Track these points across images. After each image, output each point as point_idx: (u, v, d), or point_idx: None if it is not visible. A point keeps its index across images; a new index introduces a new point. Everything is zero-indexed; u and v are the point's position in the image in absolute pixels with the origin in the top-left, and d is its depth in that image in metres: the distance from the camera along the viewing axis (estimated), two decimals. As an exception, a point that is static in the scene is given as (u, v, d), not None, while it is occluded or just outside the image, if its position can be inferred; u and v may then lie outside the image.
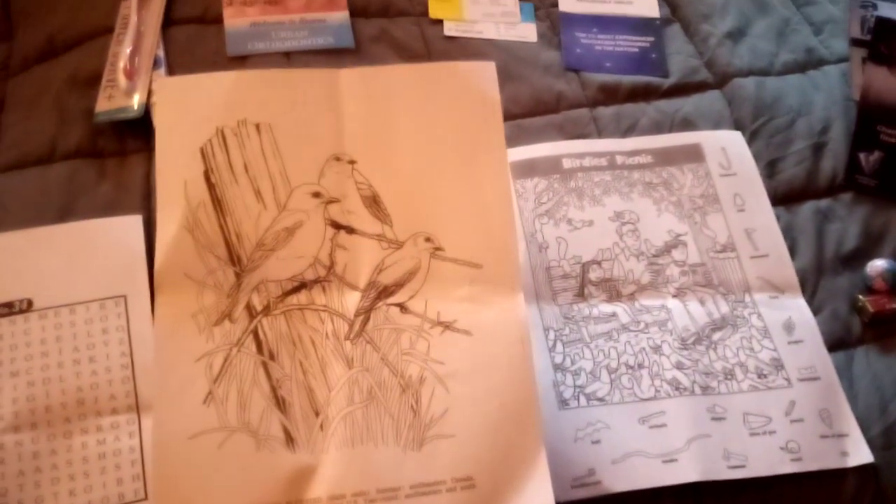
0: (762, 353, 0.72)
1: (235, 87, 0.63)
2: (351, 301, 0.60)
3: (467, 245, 0.62)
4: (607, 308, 0.74)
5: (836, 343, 0.72)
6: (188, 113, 0.62)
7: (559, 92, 0.86)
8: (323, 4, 0.88)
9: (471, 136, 0.63)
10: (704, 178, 0.81)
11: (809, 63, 0.90)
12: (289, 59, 0.85)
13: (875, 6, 0.96)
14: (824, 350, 0.72)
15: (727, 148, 0.83)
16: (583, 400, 0.68)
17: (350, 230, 0.61)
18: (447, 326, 0.60)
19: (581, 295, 0.75)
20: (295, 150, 0.62)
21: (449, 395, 0.58)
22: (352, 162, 0.62)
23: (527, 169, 0.81)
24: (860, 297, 0.73)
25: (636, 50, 0.90)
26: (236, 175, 0.62)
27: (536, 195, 0.80)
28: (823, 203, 0.80)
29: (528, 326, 0.61)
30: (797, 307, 0.74)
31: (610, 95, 0.86)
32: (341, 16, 0.88)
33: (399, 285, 0.61)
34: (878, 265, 0.74)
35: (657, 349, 0.72)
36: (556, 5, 0.93)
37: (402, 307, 0.60)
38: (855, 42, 0.91)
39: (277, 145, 0.62)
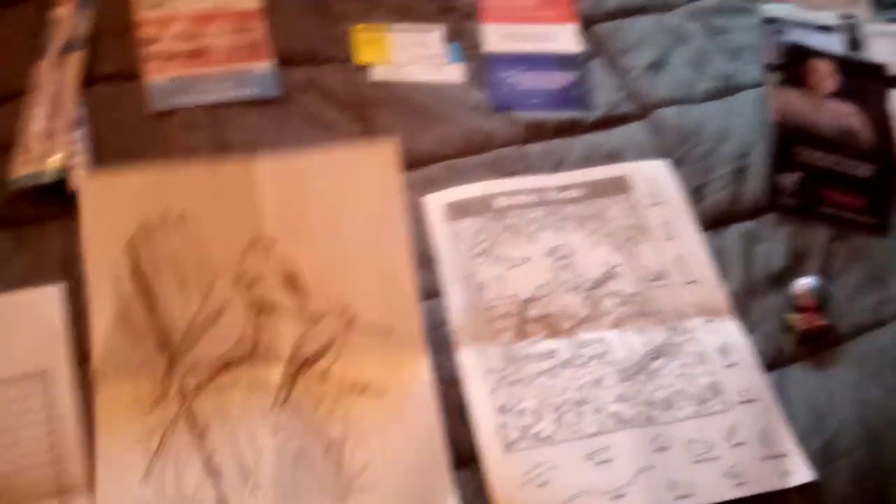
0: (701, 378, 0.72)
1: (157, 182, 0.68)
2: (275, 374, 0.66)
3: (378, 313, 0.69)
4: (548, 345, 0.74)
5: (771, 363, 0.73)
6: (112, 210, 0.67)
7: (488, 131, 0.86)
8: (247, 54, 0.88)
9: (375, 212, 0.71)
10: (633, 208, 0.83)
11: (728, 89, 0.93)
12: (214, 111, 0.84)
13: (785, 32, 1.00)
14: (759, 371, 0.73)
15: (653, 177, 0.85)
16: (528, 441, 0.67)
17: (271, 308, 0.67)
18: (363, 390, 0.66)
19: (521, 333, 0.75)
20: (216, 237, 0.68)
21: (367, 451, 0.64)
22: (271, 244, 0.68)
23: (460, 210, 0.82)
24: (789, 315, 0.76)
25: (561, 86, 0.91)
26: (162, 266, 0.67)
27: (472, 235, 0.80)
28: (749, 225, 0.82)
29: (431, 384, 0.67)
30: (731, 330, 0.75)
31: (538, 132, 0.87)
32: (266, 65, 0.87)
33: (319, 355, 0.67)
34: (802, 283, 0.77)
35: (598, 383, 0.72)
36: (481, 45, 0.95)
37: (322, 375, 0.66)
38: (770, 67, 0.96)
39: (200, 234, 0.68)
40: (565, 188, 0.84)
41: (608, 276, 0.78)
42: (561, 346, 0.74)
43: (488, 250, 0.79)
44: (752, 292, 0.77)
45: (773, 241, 0.81)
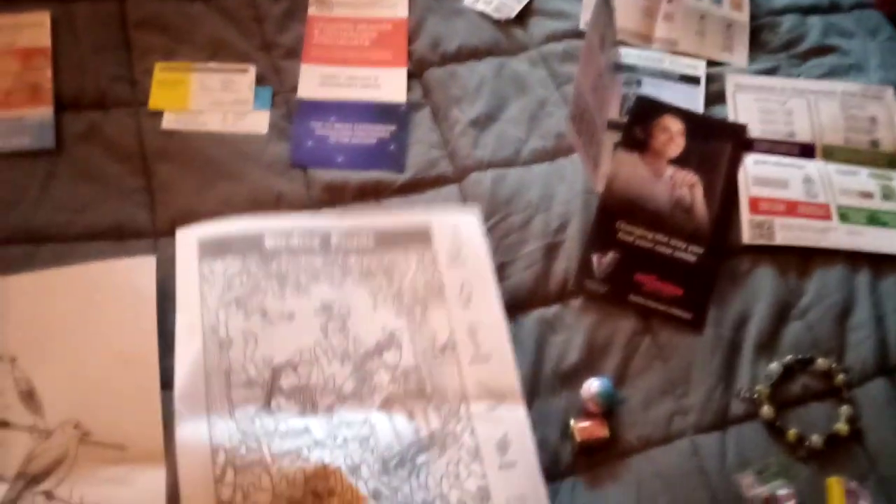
0: (469, 480, 0.63)
1: None
2: None
3: (114, 428, 0.64)
4: (298, 423, 0.63)
5: (544, 475, 0.65)
6: None
7: (279, 193, 0.78)
8: (25, 98, 0.80)
9: (124, 328, 0.68)
10: (430, 265, 0.72)
11: (559, 150, 0.84)
12: (-25, 164, 0.78)
13: (640, 83, 0.90)
14: (539, 475, 0.64)
15: (459, 232, 0.74)
16: None
17: (4, 424, 0.65)
18: None
19: (267, 407, 0.64)
20: None
21: None
22: (12, 360, 0.67)
23: (218, 247, 0.70)
24: (571, 422, 0.68)
25: (374, 141, 0.83)
26: None
27: (227, 279, 0.69)
28: (551, 311, 0.74)
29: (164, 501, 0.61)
30: (516, 420, 0.66)
31: (336, 195, 0.79)
32: (43, 112, 0.79)
33: (47, 473, 0.63)
34: (591, 387, 0.68)
35: (355, 470, 0.61)
36: (296, 89, 0.87)
37: (48, 494, 0.62)
38: (610, 125, 0.87)
39: None
40: (354, 233, 0.72)
41: (386, 345, 0.68)
42: (314, 425, 0.63)
43: (244, 299, 0.68)
44: (537, 392, 0.69)
45: (573, 330, 0.73)
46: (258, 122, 0.83)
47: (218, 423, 0.63)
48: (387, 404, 0.66)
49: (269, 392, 0.65)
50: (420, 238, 0.73)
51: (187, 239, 0.71)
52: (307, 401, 0.65)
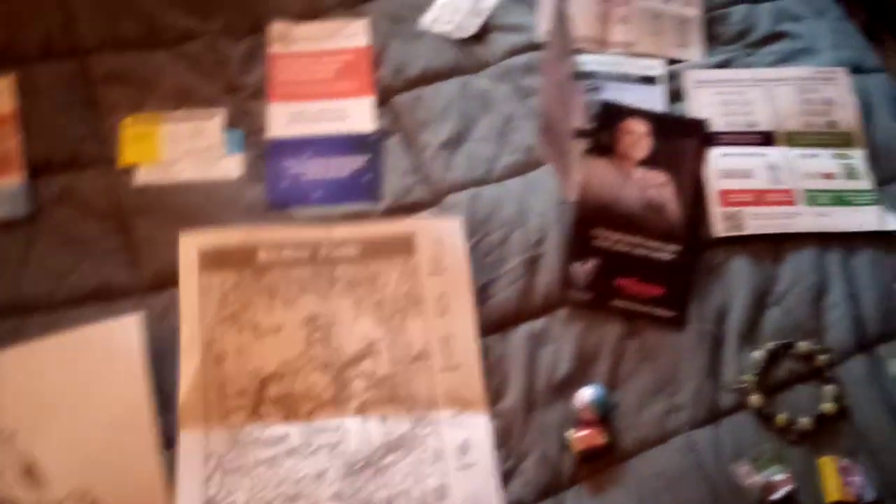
0: (430, 479, 0.68)
1: None
2: None
3: (120, 494, 0.66)
4: (280, 430, 0.69)
5: (545, 490, 0.68)
6: None
7: (260, 235, 0.81)
8: (-5, 168, 0.81)
9: (115, 392, 0.69)
10: (412, 274, 0.76)
11: (529, 164, 0.85)
12: (-48, 239, 0.78)
13: (600, 88, 0.92)
14: (493, 476, 0.68)
15: (442, 240, 0.78)
16: None
17: (9, 502, 0.65)
18: None
19: (255, 415, 0.70)
20: None
21: None
22: (11, 436, 0.67)
23: (217, 259, 0.75)
24: (567, 434, 0.70)
25: (348, 174, 0.84)
26: None
27: (223, 294, 0.74)
28: (538, 324, 0.76)
29: None
30: (477, 425, 0.71)
31: (316, 231, 0.82)
32: (14, 180, 0.80)
33: None
34: (584, 395, 0.70)
35: (320, 476, 0.68)
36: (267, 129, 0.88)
37: None
38: (579, 133, 0.88)
39: None
40: (342, 244, 0.77)
41: (364, 355, 0.73)
42: (294, 431, 0.70)
43: (238, 314, 0.74)
44: (533, 407, 0.71)
45: (561, 340, 0.74)
46: (232, 166, 0.84)
47: (214, 431, 0.69)
48: (362, 409, 0.71)
49: (258, 400, 0.70)
50: (404, 247, 0.77)
51: (189, 247, 0.75)
52: (290, 408, 0.70)
